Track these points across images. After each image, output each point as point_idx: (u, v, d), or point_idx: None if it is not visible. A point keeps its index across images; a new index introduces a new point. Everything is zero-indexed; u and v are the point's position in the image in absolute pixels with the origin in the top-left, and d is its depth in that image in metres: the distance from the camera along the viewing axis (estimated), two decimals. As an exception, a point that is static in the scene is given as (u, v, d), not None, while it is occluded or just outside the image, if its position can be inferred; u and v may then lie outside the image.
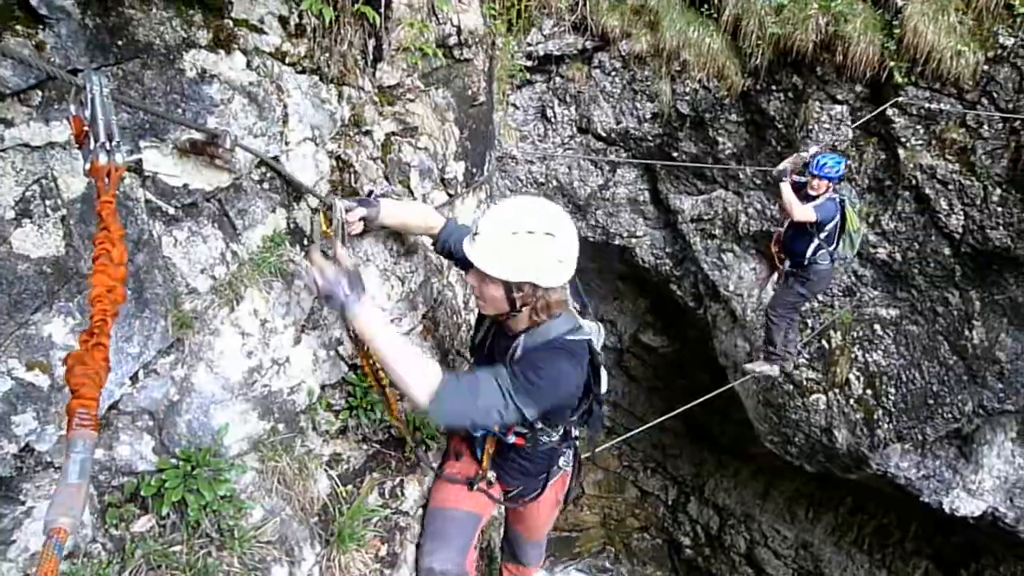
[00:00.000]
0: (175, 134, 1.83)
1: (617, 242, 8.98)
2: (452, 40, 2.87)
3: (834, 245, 6.09)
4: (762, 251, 7.29)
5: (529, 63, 7.94)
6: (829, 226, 5.92)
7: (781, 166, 5.81)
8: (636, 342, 11.18)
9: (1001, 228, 6.39)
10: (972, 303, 6.85)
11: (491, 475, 2.64)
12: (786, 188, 5.72)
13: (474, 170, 3.17)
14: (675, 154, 8.11)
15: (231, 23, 1.95)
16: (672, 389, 10.86)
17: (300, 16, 2.04)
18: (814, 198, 5.80)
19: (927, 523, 9.94)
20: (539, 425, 2.39)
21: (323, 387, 2.37)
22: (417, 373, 2.00)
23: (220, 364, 1.99)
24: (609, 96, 8.00)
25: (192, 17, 1.85)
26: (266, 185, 2.14)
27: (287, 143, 2.15)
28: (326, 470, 2.36)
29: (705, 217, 8.31)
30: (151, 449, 1.88)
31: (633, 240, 9.00)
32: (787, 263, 6.37)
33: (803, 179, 5.94)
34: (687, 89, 7.57)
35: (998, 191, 6.34)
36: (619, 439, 9.32)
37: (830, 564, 10.87)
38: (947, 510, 7.54)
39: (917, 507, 8.44)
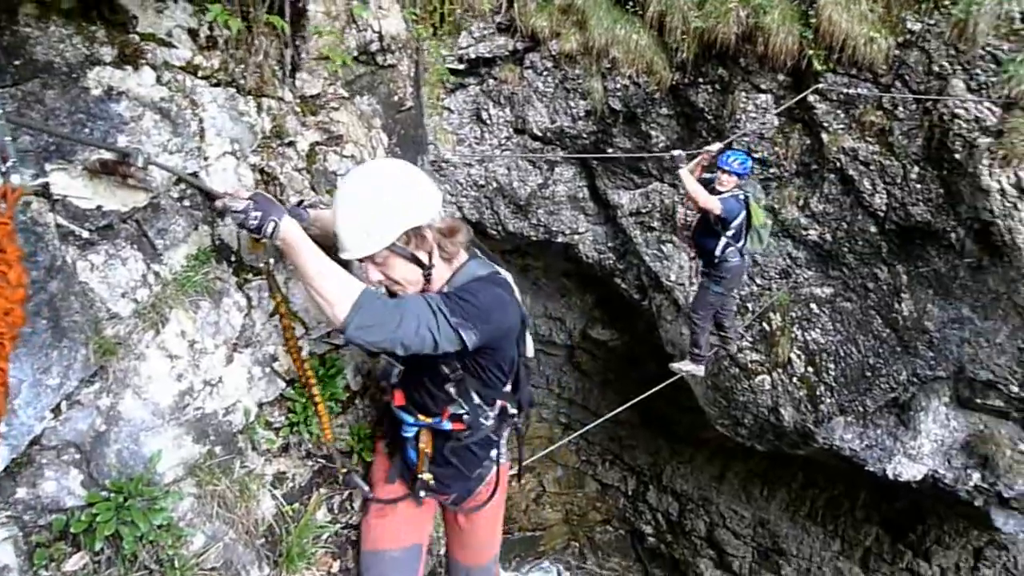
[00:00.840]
0: (84, 155, 1.77)
1: (560, 240, 9.06)
2: (374, 46, 2.85)
3: (742, 241, 6.15)
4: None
5: (461, 66, 7.94)
6: (735, 223, 5.96)
7: (676, 152, 5.95)
8: (586, 337, 11.29)
9: (921, 204, 6.68)
10: (900, 277, 7.13)
11: (427, 475, 2.36)
12: (686, 175, 5.82)
13: (405, 176, 3.14)
14: (610, 150, 8.22)
15: (137, 38, 1.89)
16: (624, 381, 11.00)
17: (211, 28, 1.99)
18: (720, 194, 5.87)
19: (874, 491, 10.33)
20: (475, 399, 2.21)
21: (260, 405, 2.32)
22: (336, 285, 1.82)
23: (148, 389, 1.93)
24: (542, 96, 8.06)
25: (94, 33, 1.79)
26: (187, 202, 2.09)
27: (206, 158, 2.10)
28: (270, 490, 2.31)
29: (643, 210, 8.45)
30: (79, 483, 1.81)
31: (576, 237, 9.08)
32: (700, 262, 6.47)
33: (710, 175, 6.05)
34: (618, 85, 7.68)
35: (916, 169, 6.62)
36: (575, 434, 9.40)
37: (787, 539, 11.19)
38: (891, 476, 7.83)
39: (863, 476, 8.75)
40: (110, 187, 1.85)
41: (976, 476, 7.67)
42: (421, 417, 2.28)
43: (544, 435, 12.26)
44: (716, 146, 6.16)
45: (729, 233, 6.02)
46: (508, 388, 2.33)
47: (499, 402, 2.32)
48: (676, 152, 5.90)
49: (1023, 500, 7.69)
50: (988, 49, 6.08)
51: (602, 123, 8.05)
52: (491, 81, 8.14)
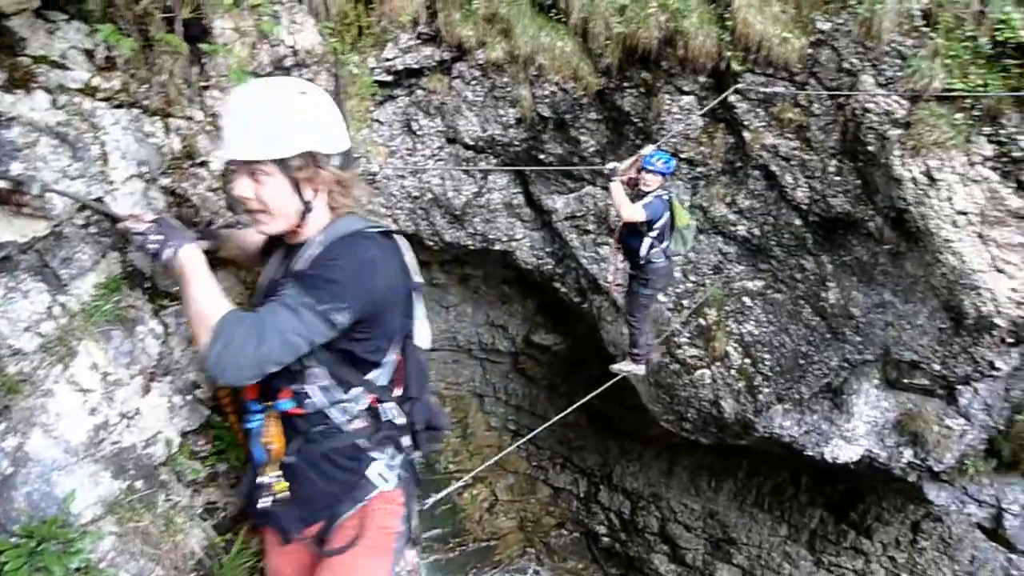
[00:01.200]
0: (-27, 185, 1.68)
1: (498, 247, 9.07)
2: (288, 61, 2.80)
3: (666, 242, 6.24)
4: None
5: (389, 78, 7.89)
6: (659, 224, 6.04)
7: (611, 164, 5.99)
8: (529, 343, 11.33)
9: (840, 195, 6.95)
10: (825, 266, 7.40)
11: (273, 479, 1.88)
12: (616, 187, 5.85)
13: (329, 191, 3.10)
14: (542, 156, 8.29)
15: (28, 60, 1.82)
16: (570, 384, 11.09)
17: (109, 49, 1.93)
18: (646, 194, 5.99)
19: (815, 474, 10.67)
20: (325, 378, 1.81)
21: (184, 434, 2.24)
22: (208, 314, 1.64)
23: (58, 427, 1.84)
24: (472, 105, 8.07)
25: (-21, 57, 1.71)
26: (93, 229, 2.01)
27: (111, 182, 2.02)
28: (199, 521, 2.24)
29: (578, 214, 8.54)
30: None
31: (513, 243, 9.12)
32: (627, 264, 6.52)
33: (635, 175, 6.15)
34: (546, 92, 7.76)
35: (834, 162, 6.89)
36: (523, 440, 9.42)
37: (736, 528, 11.45)
38: (829, 459, 8.10)
39: (804, 461, 9.02)
40: (6, 217, 1.76)
41: (908, 453, 8.01)
42: (279, 397, 1.88)
43: (494, 443, 12.24)
44: (648, 148, 6.26)
45: (653, 234, 6.09)
46: (382, 380, 1.92)
47: (364, 393, 1.89)
48: (611, 165, 5.96)
49: (952, 473, 8.07)
50: (893, 45, 6.38)
51: (532, 130, 8.11)
52: (420, 92, 8.11)
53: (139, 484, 2.05)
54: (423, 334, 2.04)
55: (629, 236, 6.28)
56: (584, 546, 12.94)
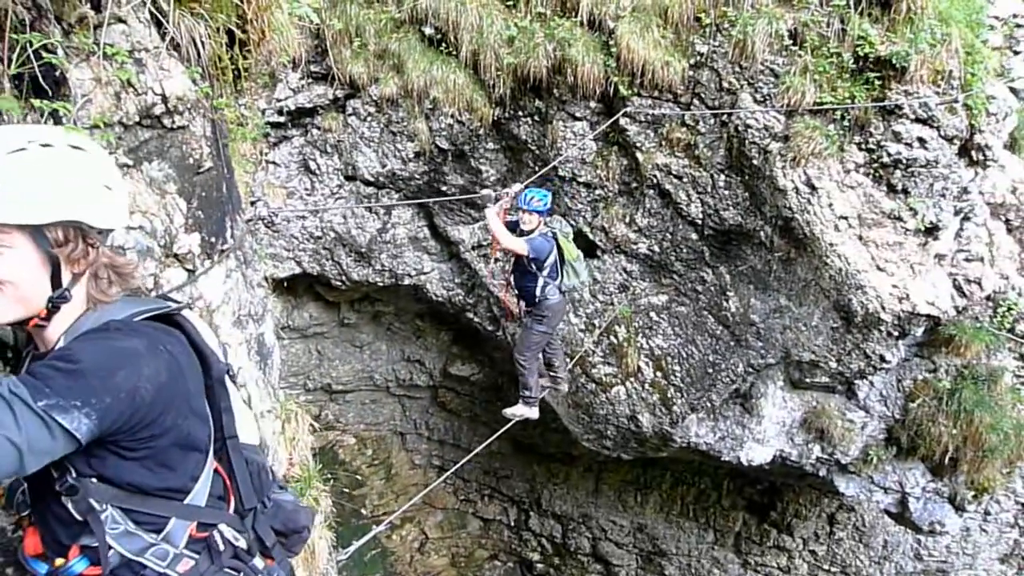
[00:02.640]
0: None
1: (407, 282, 8.99)
2: (158, 109, 2.68)
3: (559, 278, 6.25)
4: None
5: (282, 119, 7.75)
6: (548, 261, 6.06)
7: (486, 191, 6.00)
8: (447, 375, 11.23)
9: (731, 208, 7.27)
10: (723, 277, 7.71)
11: None
12: (492, 215, 5.85)
13: (213, 239, 2.98)
14: (444, 188, 8.30)
15: None
16: (492, 413, 11.02)
17: (-57, 107, 1.78)
18: (528, 233, 6.00)
19: (735, 479, 11.02)
20: (120, 522, 1.37)
21: None
22: None
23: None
24: (369, 141, 8.02)
25: None
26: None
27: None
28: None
29: (484, 243, 8.58)
30: None
31: (422, 277, 9.05)
32: (522, 304, 6.49)
33: (515, 216, 6.16)
34: (442, 125, 7.80)
35: (722, 177, 7.22)
36: (448, 473, 9.27)
37: (665, 539, 11.65)
38: (745, 463, 8.37)
39: (723, 467, 9.30)
40: None
41: (816, 449, 8.38)
42: (56, 562, 1.42)
43: (419, 481, 12.00)
44: (517, 186, 6.25)
45: (544, 272, 6.10)
46: (200, 499, 1.48)
47: (179, 525, 1.45)
48: (485, 191, 5.97)
49: (858, 464, 8.49)
50: (766, 64, 6.77)
51: (432, 162, 8.12)
52: (315, 131, 8.01)
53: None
54: (247, 426, 1.65)
55: (523, 278, 6.29)
56: (519, 575, 12.82)
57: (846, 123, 6.67)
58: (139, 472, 1.36)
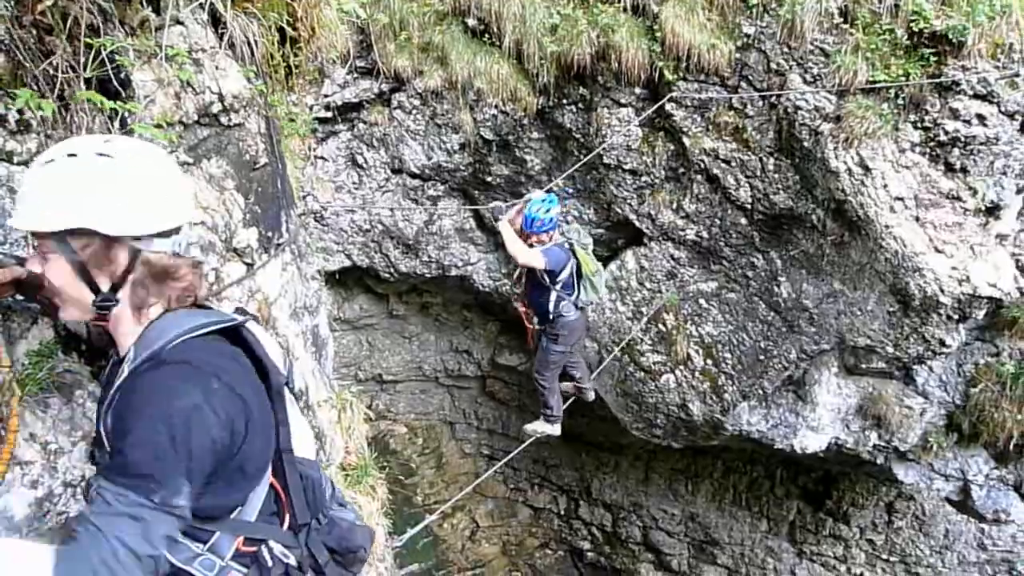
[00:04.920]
0: None
1: (454, 272, 9.07)
2: (216, 108, 2.78)
3: (575, 294, 5.76)
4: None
5: (329, 114, 7.89)
6: (563, 275, 5.57)
7: (495, 204, 5.54)
8: (495, 366, 11.31)
9: (782, 192, 7.13)
10: (774, 262, 7.57)
11: None
12: (506, 228, 5.43)
13: (270, 234, 3.08)
14: (489, 179, 8.34)
15: (-63, 131, 1.77)
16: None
17: (20, 112, 1.89)
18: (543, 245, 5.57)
19: (788, 467, 10.83)
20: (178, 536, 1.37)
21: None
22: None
23: (-2, 503, 1.78)
24: (415, 134, 8.11)
25: None
26: (21, 296, 1.95)
27: (35, 247, 1.97)
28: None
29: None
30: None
31: (469, 268, 9.13)
32: (536, 321, 6.03)
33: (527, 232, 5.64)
34: (487, 116, 7.83)
35: (772, 160, 7.07)
36: (499, 464, 9.35)
37: (717, 528, 11.53)
38: (798, 450, 8.22)
39: (776, 455, 9.15)
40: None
41: (873, 436, 8.18)
42: None
43: (469, 470, 12.14)
44: (537, 193, 5.84)
45: (558, 286, 5.63)
46: (250, 514, 1.53)
47: (226, 538, 1.48)
48: (494, 204, 5.55)
49: (918, 451, 8.26)
50: (816, 44, 6.60)
51: (477, 154, 8.17)
52: (361, 125, 8.14)
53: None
54: (303, 441, 1.67)
55: (534, 292, 5.84)
56: (570, 563, 12.87)
57: (900, 101, 6.45)
58: (206, 495, 1.39)
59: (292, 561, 1.58)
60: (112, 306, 1.45)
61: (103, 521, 1.21)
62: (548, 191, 6.03)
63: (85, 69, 1.85)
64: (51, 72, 1.88)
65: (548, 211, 5.53)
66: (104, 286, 1.43)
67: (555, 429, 6.72)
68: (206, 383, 1.35)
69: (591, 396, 7.24)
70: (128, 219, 1.40)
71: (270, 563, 1.53)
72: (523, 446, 7.66)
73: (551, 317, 5.82)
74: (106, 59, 1.93)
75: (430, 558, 11.67)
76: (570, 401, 7.10)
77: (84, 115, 1.98)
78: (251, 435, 1.43)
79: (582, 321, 6.12)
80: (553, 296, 5.69)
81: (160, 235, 1.47)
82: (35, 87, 1.82)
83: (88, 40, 1.86)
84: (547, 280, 5.63)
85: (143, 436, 1.28)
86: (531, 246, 5.59)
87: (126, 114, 2.08)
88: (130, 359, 1.43)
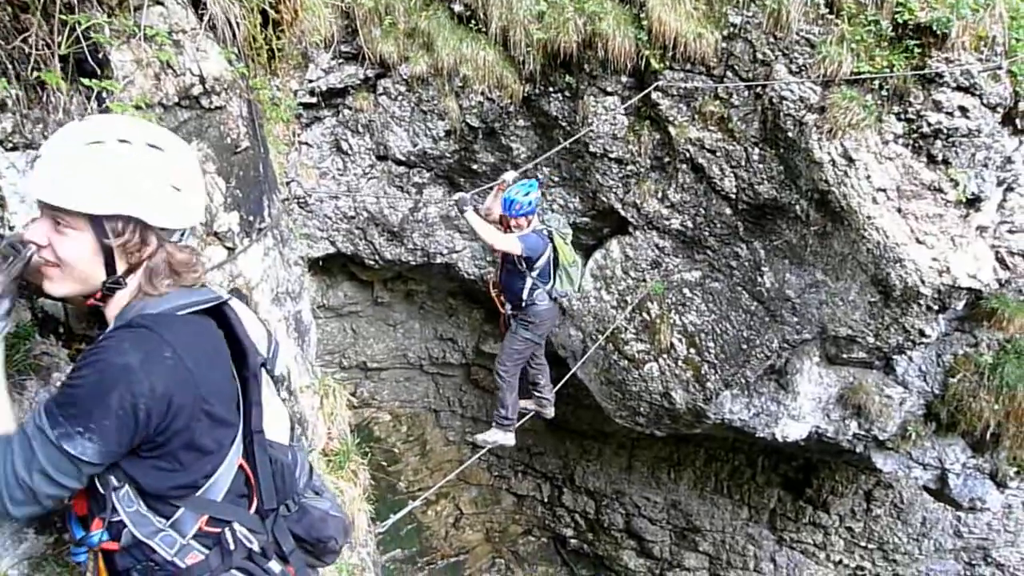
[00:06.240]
0: None
1: (439, 260, 9.05)
2: (196, 90, 2.74)
3: (550, 283, 5.70)
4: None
5: (313, 99, 7.81)
6: (540, 262, 5.50)
7: (458, 195, 5.40)
8: (479, 353, 11.31)
9: (766, 182, 7.16)
10: (758, 252, 7.61)
11: None
12: (473, 218, 5.28)
13: (251, 218, 3.05)
14: (475, 166, 8.32)
15: (-92, 108, 1.74)
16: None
17: (-5, 90, 1.85)
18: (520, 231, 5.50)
19: (769, 455, 10.96)
20: (134, 504, 1.41)
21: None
22: None
23: (-27, 487, 1.76)
24: (400, 120, 8.06)
25: None
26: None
27: (11, 227, 1.94)
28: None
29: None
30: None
31: (454, 255, 9.11)
32: (508, 307, 5.97)
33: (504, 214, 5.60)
34: (472, 103, 7.79)
35: (756, 150, 7.10)
36: (478, 455, 9.38)
37: (699, 515, 11.65)
38: (780, 439, 8.32)
39: (757, 443, 9.25)
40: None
41: (853, 425, 8.29)
42: (91, 529, 1.48)
43: (453, 457, 12.17)
44: (511, 175, 5.77)
45: (534, 273, 5.56)
46: (215, 494, 1.49)
47: (189, 515, 1.46)
48: (458, 195, 5.37)
49: (896, 440, 8.38)
50: (802, 34, 6.61)
51: (463, 141, 8.13)
52: (346, 111, 8.07)
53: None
54: (277, 424, 1.64)
55: (509, 277, 5.77)
56: (553, 550, 12.97)
57: (884, 93, 6.49)
58: (149, 472, 1.41)
59: (255, 546, 1.55)
60: (119, 289, 1.48)
61: (18, 434, 1.30)
62: (523, 173, 6.00)
63: (60, 47, 1.81)
64: (26, 51, 1.85)
65: (528, 194, 5.50)
66: (120, 269, 1.46)
67: (508, 438, 6.55)
68: (155, 351, 1.36)
69: (550, 413, 7.06)
70: (171, 213, 1.47)
71: (232, 546, 1.51)
72: (475, 457, 7.52)
73: (523, 304, 5.78)
74: (81, 38, 1.90)
75: (414, 545, 11.71)
76: (527, 418, 6.88)
77: (61, 95, 1.94)
78: (197, 415, 1.41)
79: (554, 311, 6.04)
80: (528, 283, 5.64)
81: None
82: (9, 66, 1.78)
83: (63, 17, 1.83)
84: (523, 266, 5.57)
85: (75, 377, 1.34)
86: (508, 229, 5.56)
87: (104, 93, 2.05)
88: (108, 330, 1.49)
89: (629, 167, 7.80)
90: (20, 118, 1.91)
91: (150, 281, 1.49)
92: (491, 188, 5.93)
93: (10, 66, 1.83)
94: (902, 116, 6.51)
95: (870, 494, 10.77)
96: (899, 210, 6.72)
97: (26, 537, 1.86)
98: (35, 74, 1.80)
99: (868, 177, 6.62)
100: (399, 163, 8.32)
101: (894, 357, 7.74)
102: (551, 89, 7.68)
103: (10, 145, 1.96)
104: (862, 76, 6.42)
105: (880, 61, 6.42)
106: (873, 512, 10.83)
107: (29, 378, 1.95)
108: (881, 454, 8.62)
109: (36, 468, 1.27)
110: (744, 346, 7.92)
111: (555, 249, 5.66)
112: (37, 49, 1.81)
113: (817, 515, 11.10)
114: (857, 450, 8.54)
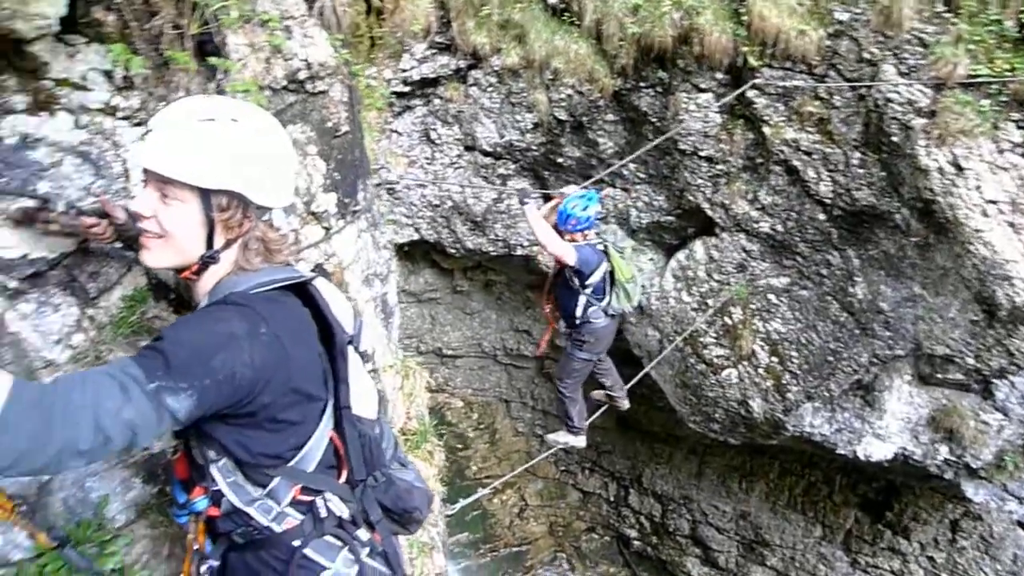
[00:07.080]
0: (3, 204, 1.74)
1: (519, 252, 9.10)
2: (303, 74, 2.86)
3: (606, 299, 5.42)
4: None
5: (406, 88, 7.98)
6: (594, 279, 5.23)
7: (520, 188, 5.06)
8: (554, 347, 11.31)
9: (865, 188, 6.85)
10: (851, 261, 7.30)
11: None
12: (532, 212, 5.09)
13: (347, 200, 3.16)
14: (560, 160, 8.30)
15: (51, 83, 1.88)
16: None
17: (127, 68, 1.98)
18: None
19: (849, 474, 10.50)
20: (230, 475, 1.50)
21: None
22: None
23: (89, 436, 1.90)
24: (489, 112, 8.13)
25: (5, 82, 1.78)
26: (118, 243, 2.06)
27: (133, 198, 2.08)
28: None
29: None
30: (25, 535, 1.77)
31: (534, 248, 9.12)
32: (562, 323, 5.75)
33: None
34: (562, 96, 7.78)
35: (856, 155, 6.80)
36: (540, 457, 9.39)
37: (769, 529, 11.29)
38: (862, 458, 7.96)
39: (837, 460, 8.89)
40: (35, 235, 1.82)
41: (944, 450, 7.84)
42: (192, 495, 1.58)
43: (521, 448, 12.24)
44: (571, 188, 5.52)
45: (588, 290, 5.29)
46: (308, 465, 1.56)
47: (285, 485, 1.54)
48: (521, 187, 5.06)
49: (991, 470, 7.88)
50: (914, 33, 6.28)
51: (550, 134, 8.13)
52: (437, 101, 8.20)
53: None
54: (364, 399, 1.69)
55: (562, 294, 5.54)
56: (615, 550, 12.86)
57: (1003, 98, 6.08)
58: (239, 438, 1.46)
59: (346, 515, 1.65)
60: (213, 264, 1.54)
61: (97, 376, 1.21)
62: (585, 187, 5.74)
63: (189, 28, 1.92)
64: (155, 33, 1.97)
65: (585, 208, 5.22)
66: (218, 243, 1.53)
67: (579, 440, 6.46)
68: (254, 325, 1.40)
69: (625, 405, 6.93)
70: (273, 193, 1.56)
71: (324, 514, 1.60)
72: (544, 455, 7.50)
73: (578, 322, 5.52)
74: (209, 20, 2.01)
75: (478, 531, 11.87)
76: (602, 410, 6.83)
77: (185, 74, 2.06)
78: (284, 391, 1.45)
79: (611, 328, 5.76)
80: (582, 300, 5.38)
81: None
82: (142, 45, 1.91)
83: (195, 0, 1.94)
84: (576, 282, 5.32)
85: (178, 332, 1.35)
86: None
87: (222, 75, 2.16)
88: (202, 305, 1.56)
89: (719, 166, 7.61)
90: (147, 95, 2.04)
91: (245, 256, 1.56)
92: (549, 195, 5.68)
93: (142, 45, 1.95)
94: (1022, 124, 6.10)
95: (956, 524, 10.15)
96: (1011, 225, 6.30)
97: (134, 486, 2.00)
98: (167, 53, 1.91)
99: (979, 188, 6.23)
100: (485, 154, 8.39)
101: (994, 381, 7.26)
102: (642, 84, 7.58)
103: (136, 121, 2.10)
104: (979, 79, 6.04)
105: (1001, 64, 6.03)
106: (958, 543, 10.21)
107: (143, 338, 2.09)
108: (972, 483, 8.12)
109: (124, 416, 1.18)
110: (830, 358, 7.62)
111: (611, 264, 5.38)
112: (166, 31, 1.93)
113: (896, 540, 10.55)
114: (946, 476, 8.07)
